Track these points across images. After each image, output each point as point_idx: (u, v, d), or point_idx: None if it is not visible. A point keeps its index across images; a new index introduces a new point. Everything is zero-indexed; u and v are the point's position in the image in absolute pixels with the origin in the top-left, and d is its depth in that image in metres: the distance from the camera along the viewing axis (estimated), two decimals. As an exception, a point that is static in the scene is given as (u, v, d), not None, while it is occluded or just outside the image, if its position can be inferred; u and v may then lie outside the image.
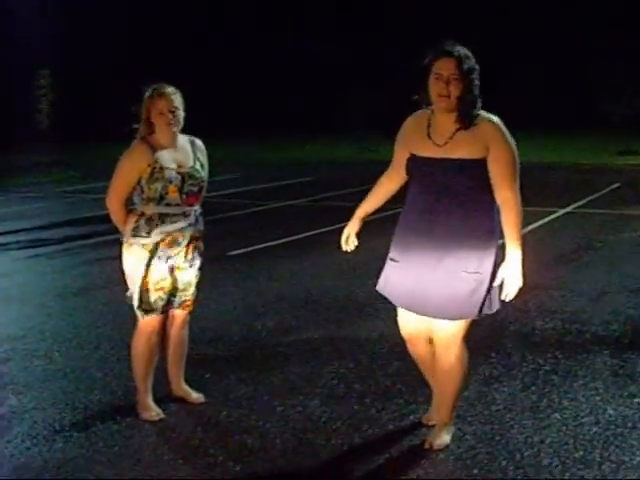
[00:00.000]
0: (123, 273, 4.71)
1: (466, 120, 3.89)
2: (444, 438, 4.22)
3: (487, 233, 3.96)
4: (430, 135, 3.97)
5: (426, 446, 4.19)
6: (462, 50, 3.88)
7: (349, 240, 4.47)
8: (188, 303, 4.78)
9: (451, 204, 3.92)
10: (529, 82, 33.90)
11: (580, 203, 13.35)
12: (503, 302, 4.07)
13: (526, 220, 10.33)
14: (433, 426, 4.34)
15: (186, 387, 4.94)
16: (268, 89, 36.33)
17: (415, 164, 4.03)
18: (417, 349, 4.31)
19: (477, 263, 3.94)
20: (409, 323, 4.22)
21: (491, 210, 3.98)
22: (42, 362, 5.75)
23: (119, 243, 4.71)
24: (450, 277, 3.95)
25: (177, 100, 4.57)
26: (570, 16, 33.36)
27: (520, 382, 5.17)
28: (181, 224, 4.60)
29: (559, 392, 4.98)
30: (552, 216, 11.91)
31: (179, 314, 4.78)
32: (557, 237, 10.30)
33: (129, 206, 4.65)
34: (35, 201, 15.89)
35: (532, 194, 14.42)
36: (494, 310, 4.12)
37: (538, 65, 33.95)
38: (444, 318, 4.04)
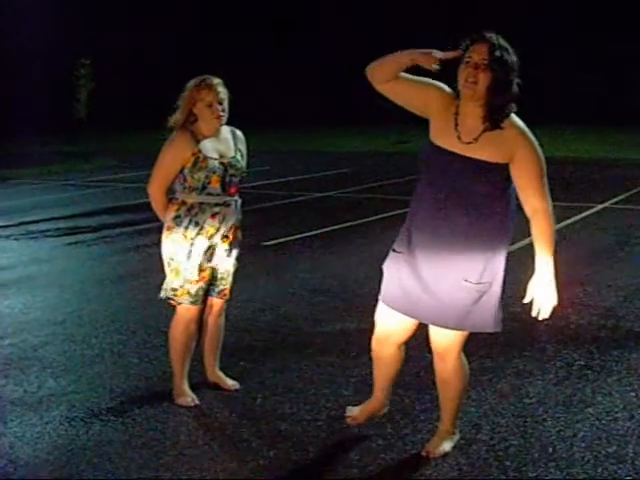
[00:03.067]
0: (162, 261, 4.77)
1: (493, 117, 3.56)
2: (444, 446, 4.07)
3: (496, 241, 3.68)
4: (457, 127, 3.63)
5: (423, 454, 4.04)
6: (500, 39, 3.53)
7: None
8: (226, 292, 4.83)
9: (460, 205, 3.63)
10: (564, 78, 33.60)
11: (618, 199, 13.23)
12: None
13: (563, 215, 10.26)
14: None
15: (221, 374, 5.01)
16: (303, 80, 36.34)
17: (434, 153, 3.70)
18: (384, 350, 4.02)
19: (481, 273, 3.66)
20: (389, 321, 3.93)
21: (504, 218, 3.69)
22: (80, 347, 5.85)
23: (159, 231, 4.78)
24: (451, 285, 3.68)
25: (224, 92, 4.61)
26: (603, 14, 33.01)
27: (554, 376, 5.16)
28: (222, 214, 4.65)
29: (593, 387, 4.97)
30: (589, 211, 11.83)
31: (217, 302, 4.84)
32: (594, 232, 10.23)
33: (169, 195, 4.72)
34: (74, 189, 16.07)
35: (569, 189, 14.36)
36: (492, 329, 3.82)
37: (572, 62, 33.63)
38: (441, 326, 3.81)
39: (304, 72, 36.64)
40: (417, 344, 5.74)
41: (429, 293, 3.72)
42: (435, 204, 3.68)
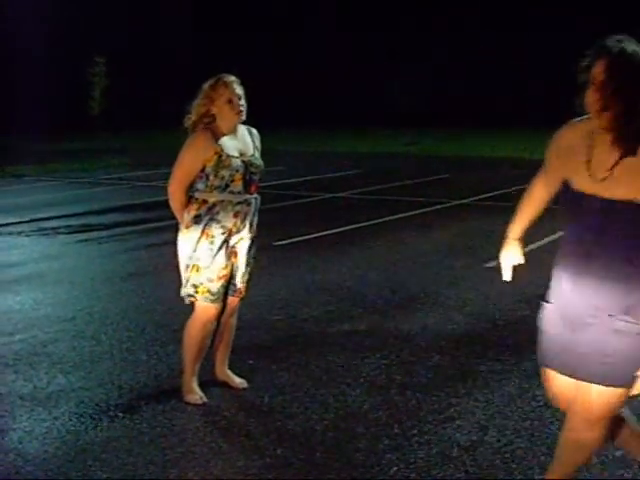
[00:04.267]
0: (177, 260, 4.78)
1: (626, 143, 2.92)
2: None
3: None
4: (590, 162, 3.02)
5: None
6: (626, 46, 2.88)
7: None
8: (242, 290, 4.86)
9: (611, 251, 3.03)
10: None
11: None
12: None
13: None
14: None
15: (229, 372, 5.02)
16: (314, 81, 36.40)
17: (568, 198, 3.12)
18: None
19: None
20: (559, 388, 3.27)
21: None
22: (90, 343, 5.88)
23: (170, 229, 4.80)
24: (604, 327, 3.04)
25: (240, 89, 4.66)
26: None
27: (562, 379, 5.15)
28: (243, 212, 4.68)
29: (601, 391, 4.95)
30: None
31: (232, 300, 4.86)
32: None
33: (189, 193, 4.71)
34: (86, 187, 16.13)
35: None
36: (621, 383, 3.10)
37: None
38: (590, 381, 3.10)
39: (315, 73, 36.67)
40: (425, 346, 5.77)
41: (580, 341, 3.09)
42: (585, 249, 3.08)
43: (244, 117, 4.68)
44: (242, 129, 4.78)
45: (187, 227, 4.67)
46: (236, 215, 4.66)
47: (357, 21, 37.00)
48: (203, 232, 4.61)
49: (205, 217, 4.62)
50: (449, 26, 35.49)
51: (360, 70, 36.22)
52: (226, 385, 4.97)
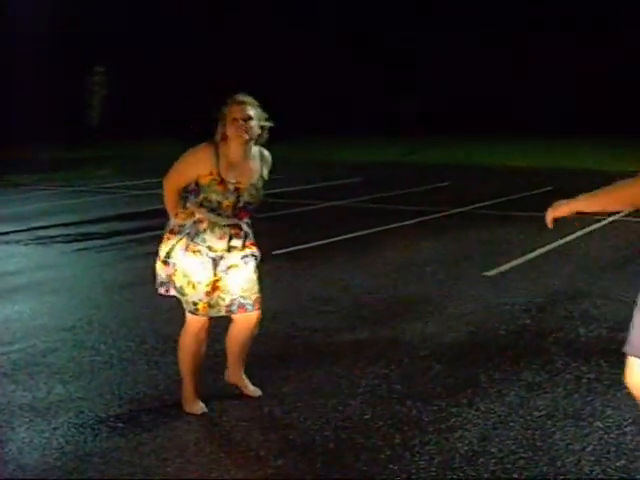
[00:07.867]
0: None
1: None
2: None
3: None
4: None
5: None
6: None
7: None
8: (256, 304, 4.79)
9: None
10: (592, 90, 33.47)
11: (627, 211, 13.17)
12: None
13: (574, 227, 10.24)
14: None
15: (245, 378, 5.00)
16: (313, 88, 36.43)
17: None
18: None
19: None
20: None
21: None
22: (89, 353, 5.86)
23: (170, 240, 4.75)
24: None
25: (251, 110, 4.54)
26: None
27: (563, 389, 5.14)
28: (229, 234, 4.64)
29: (602, 400, 4.95)
30: (600, 223, 11.80)
31: (241, 317, 4.81)
32: (604, 245, 10.20)
33: (183, 201, 4.71)
34: (84, 195, 16.12)
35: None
36: None
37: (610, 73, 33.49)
38: None
39: (313, 82, 36.69)
40: (426, 355, 5.76)
41: None
42: None
43: (246, 138, 4.54)
44: (255, 152, 4.68)
45: (170, 232, 4.69)
46: (222, 237, 4.62)
47: (357, 25, 37.05)
48: (187, 246, 4.59)
49: (188, 229, 4.61)
50: (447, 30, 35.55)
51: (359, 78, 36.24)
52: (236, 389, 4.96)
